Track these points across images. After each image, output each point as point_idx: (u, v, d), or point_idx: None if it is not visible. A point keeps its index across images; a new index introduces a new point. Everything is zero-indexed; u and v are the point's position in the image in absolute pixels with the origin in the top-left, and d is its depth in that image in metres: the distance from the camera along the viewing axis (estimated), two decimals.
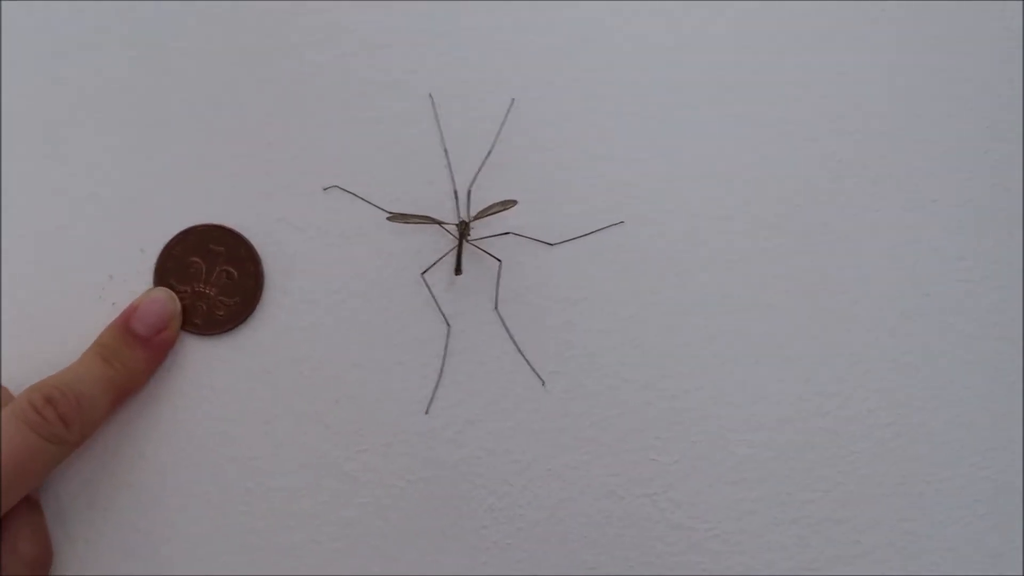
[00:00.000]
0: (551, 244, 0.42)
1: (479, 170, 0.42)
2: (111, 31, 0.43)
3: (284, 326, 0.42)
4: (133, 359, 0.39)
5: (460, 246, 0.41)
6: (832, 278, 0.44)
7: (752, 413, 0.43)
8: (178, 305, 0.41)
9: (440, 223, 0.41)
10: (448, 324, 0.42)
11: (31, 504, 0.40)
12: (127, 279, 0.42)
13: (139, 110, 0.42)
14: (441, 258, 0.41)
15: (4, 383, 0.40)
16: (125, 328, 0.39)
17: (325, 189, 0.42)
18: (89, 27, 0.43)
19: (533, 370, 0.42)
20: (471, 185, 0.42)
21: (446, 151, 0.42)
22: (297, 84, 0.43)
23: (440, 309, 0.42)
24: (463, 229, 0.41)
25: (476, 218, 0.41)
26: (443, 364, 0.42)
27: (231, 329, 0.41)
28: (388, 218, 0.40)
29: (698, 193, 0.43)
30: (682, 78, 0.44)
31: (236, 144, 0.42)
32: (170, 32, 0.43)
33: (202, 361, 0.41)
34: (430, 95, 0.42)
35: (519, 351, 0.42)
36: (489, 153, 0.42)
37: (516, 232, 0.42)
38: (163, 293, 0.41)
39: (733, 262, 0.43)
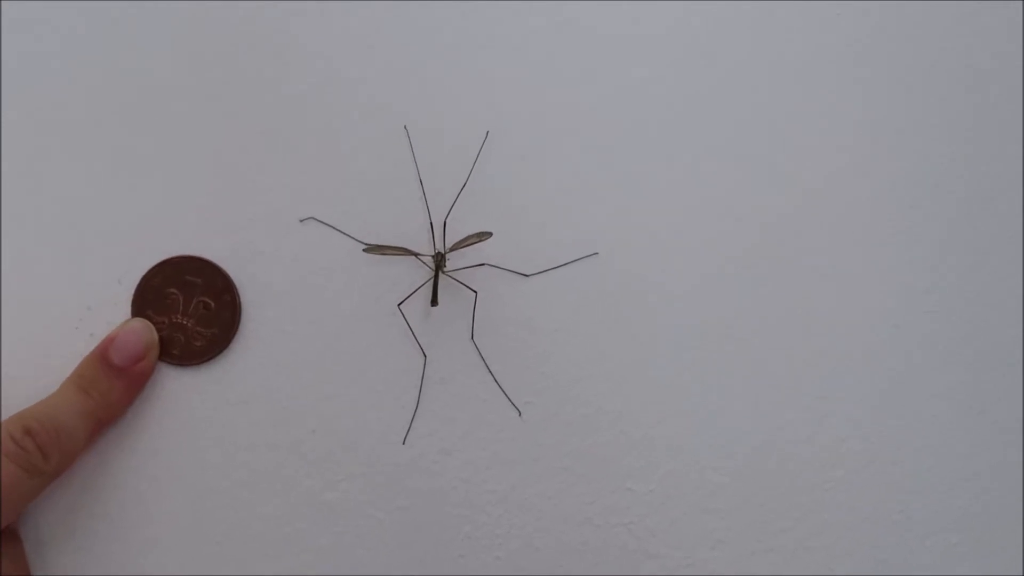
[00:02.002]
0: (526, 275, 0.42)
1: (454, 202, 0.42)
2: (88, 60, 0.42)
3: (261, 356, 0.41)
4: (111, 390, 0.39)
5: (436, 277, 0.40)
6: (804, 310, 0.43)
7: (726, 442, 0.42)
8: (155, 335, 0.40)
9: (416, 254, 0.40)
10: (425, 354, 0.41)
11: (10, 535, 0.39)
12: (105, 310, 0.41)
13: (116, 141, 0.42)
14: (417, 289, 0.41)
15: None
16: (103, 359, 0.39)
17: (301, 221, 0.41)
18: (65, 57, 0.42)
19: (509, 400, 0.42)
20: (447, 216, 0.41)
21: (421, 183, 0.42)
22: (273, 116, 0.42)
23: (417, 340, 0.41)
24: (439, 260, 0.40)
25: (452, 249, 0.40)
26: (420, 394, 0.41)
27: (208, 360, 0.41)
28: (364, 250, 0.40)
29: (671, 225, 0.43)
30: (658, 111, 0.43)
31: (213, 176, 0.41)
32: (148, 64, 0.42)
33: (180, 391, 0.41)
34: (405, 127, 0.42)
35: (495, 381, 0.42)
36: (464, 185, 0.42)
37: (491, 263, 0.41)
38: (140, 324, 0.40)
39: (706, 294, 0.43)
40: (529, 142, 0.42)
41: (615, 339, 0.42)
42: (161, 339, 0.40)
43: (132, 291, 0.41)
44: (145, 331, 0.40)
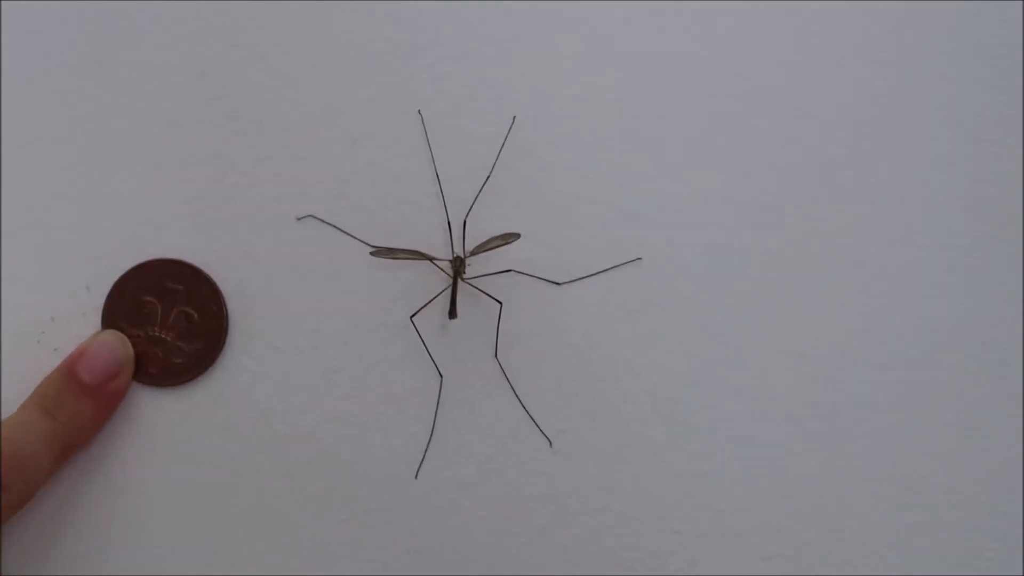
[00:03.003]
0: (558, 283, 0.39)
1: (476, 198, 0.39)
2: (53, 45, 0.40)
3: (252, 376, 0.39)
4: (79, 411, 0.36)
5: (455, 285, 0.38)
6: (872, 323, 0.40)
7: (787, 479, 0.39)
8: (130, 350, 0.38)
9: (431, 259, 0.38)
10: (441, 375, 0.39)
11: None
12: (71, 321, 0.39)
13: (85, 129, 0.39)
14: (432, 299, 0.38)
15: None
16: (70, 376, 0.36)
17: (299, 219, 0.39)
18: (29, 45, 0.40)
19: (538, 428, 0.38)
20: (467, 215, 0.39)
21: (438, 176, 0.39)
22: (266, 99, 0.40)
23: (431, 357, 0.39)
24: (458, 266, 0.38)
25: (473, 253, 0.38)
26: (435, 421, 0.38)
27: (191, 379, 0.38)
28: (371, 253, 0.37)
29: (727, 227, 0.39)
30: (711, 100, 0.40)
31: (197, 168, 0.39)
32: (120, 44, 0.40)
33: (157, 415, 0.38)
34: (419, 112, 0.39)
35: (522, 406, 0.39)
36: (487, 179, 0.39)
37: (518, 270, 0.39)
38: (113, 336, 0.38)
39: (766, 307, 0.39)
40: (562, 129, 0.40)
41: (660, 358, 0.39)
42: (136, 355, 0.38)
43: (103, 300, 0.38)
44: (119, 345, 0.38)
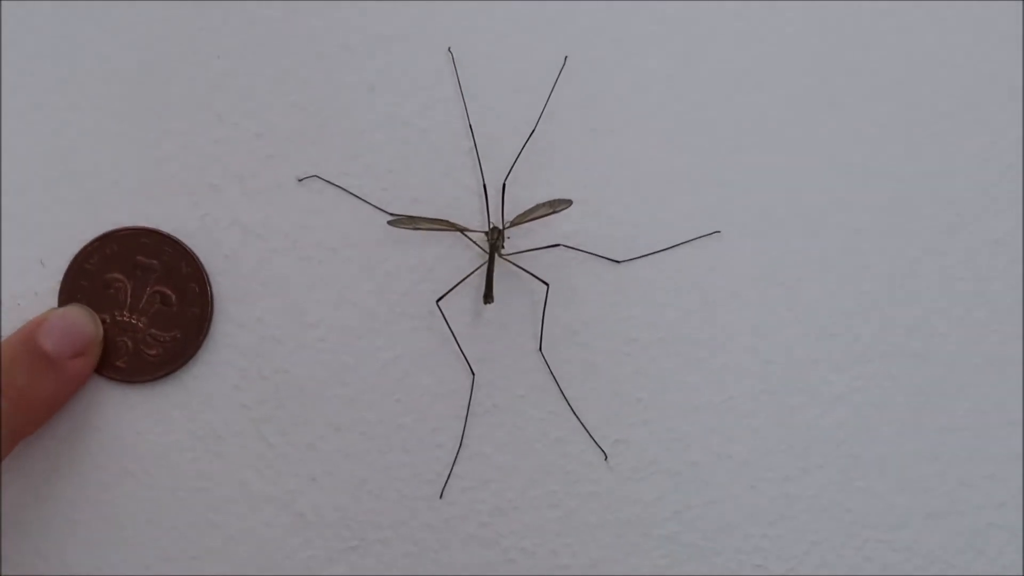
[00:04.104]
0: (617, 261, 0.35)
1: (518, 156, 0.36)
2: None
3: (241, 373, 0.35)
4: (32, 387, 0.33)
5: (491, 263, 0.35)
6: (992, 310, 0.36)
7: (895, 503, 0.35)
8: (100, 329, 0.35)
9: (463, 230, 0.35)
10: (472, 372, 0.35)
11: None
12: (20, 303, 0.35)
13: (35, 66, 0.36)
14: (463, 279, 0.35)
15: None
16: (27, 342, 0.33)
17: (300, 180, 0.36)
18: None
19: (591, 438, 0.35)
20: (506, 177, 0.35)
21: (471, 129, 0.35)
22: (260, 33, 0.36)
23: (462, 351, 0.35)
24: (495, 239, 0.35)
25: (514, 223, 0.34)
26: (464, 429, 0.35)
27: (166, 375, 0.35)
28: (389, 222, 0.34)
29: (822, 196, 0.36)
30: (798, 42, 0.36)
31: (174, 117, 0.36)
32: None
33: (125, 419, 0.35)
34: (449, 50, 0.36)
35: (572, 411, 0.35)
36: (532, 133, 0.35)
37: (569, 244, 0.35)
38: (80, 310, 0.35)
39: (874, 296, 0.35)
40: (624, 73, 0.36)
41: (741, 354, 0.35)
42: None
43: (60, 277, 0.35)
44: (87, 320, 0.34)
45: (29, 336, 0.33)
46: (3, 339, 0.33)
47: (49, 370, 0.33)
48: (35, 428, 0.34)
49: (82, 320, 0.34)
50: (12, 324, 0.34)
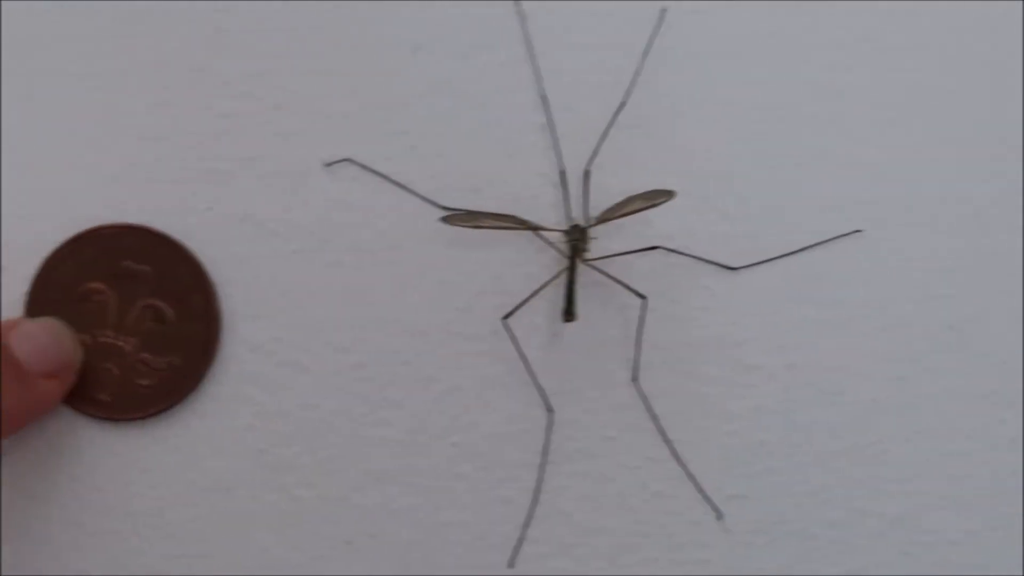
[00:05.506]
0: (732, 268, 0.31)
1: (603, 137, 0.31)
2: None
3: (257, 410, 0.31)
4: (5, 388, 0.30)
5: (572, 271, 0.31)
6: None
7: None
8: (79, 351, 0.31)
9: (535, 229, 0.31)
10: (550, 409, 0.31)
11: None
12: None
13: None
14: (537, 292, 0.31)
15: None
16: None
17: (328, 165, 0.32)
18: None
19: (700, 492, 0.30)
20: (590, 163, 0.31)
21: (545, 100, 0.31)
22: None
23: (535, 382, 0.31)
24: (577, 240, 0.31)
25: (601, 221, 0.31)
26: (540, 479, 0.30)
27: (162, 411, 0.31)
28: (443, 219, 0.31)
29: (990, 189, 0.31)
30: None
31: (168, 88, 0.32)
32: None
33: (109, 465, 0.31)
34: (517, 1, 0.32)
35: (676, 458, 0.30)
36: (622, 106, 0.31)
37: (670, 247, 0.31)
38: (56, 324, 0.31)
39: None
40: (736, 29, 0.32)
41: (890, 385, 0.30)
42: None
43: (27, 288, 0.32)
44: (64, 335, 0.31)
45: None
46: None
47: (16, 378, 0.30)
48: None
49: (61, 337, 0.31)
50: None
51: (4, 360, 0.30)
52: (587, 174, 0.31)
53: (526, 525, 0.30)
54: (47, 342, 0.31)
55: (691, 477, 0.30)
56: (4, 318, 0.31)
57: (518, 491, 0.31)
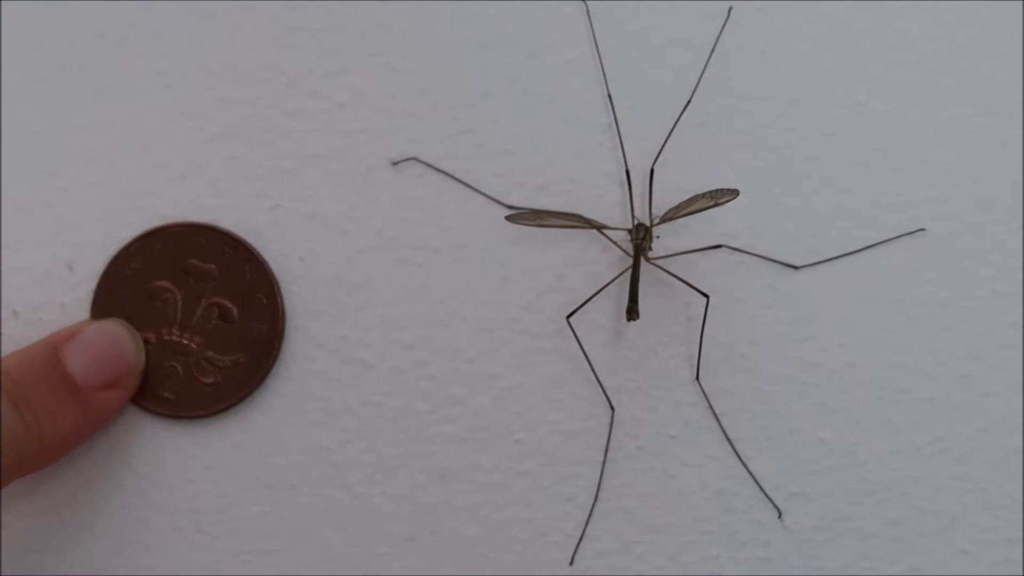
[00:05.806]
0: (796, 267, 0.31)
1: (670, 134, 0.31)
2: None
3: (322, 407, 0.31)
4: (57, 412, 0.29)
5: (636, 269, 0.30)
6: None
7: None
8: (142, 353, 0.31)
9: (600, 228, 0.31)
10: (612, 407, 0.31)
11: None
12: (43, 316, 0.31)
13: (64, 27, 0.32)
14: (601, 290, 0.31)
15: None
16: (53, 359, 0.30)
17: (394, 164, 0.31)
18: None
19: (760, 489, 0.30)
20: (655, 161, 0.31)
21: (610, 99, 0.31)
22: None
23: (598, 380, 0.30)
24: (641, 239, 0.30)
25: (665, 219, 0.30)
26: (601, 477, 0.30)
27: (227, 408, 0.31)
28: (508, 217, 0.30)
29: None
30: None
31: (234, 85, 0.31)
32: None
33: (174, 462, 0.31)
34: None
35: (736, 455, 0.30)
36: (687, 104, 0.31)
37: (734, 245, 0.31)
38: (119, 327, 0.31)
39: None
40: (803, 27, 0.31)
41: (953, 383, 0.30)
42: (145, 368, 0.31)
43: (93, 285, 0.31)
44: (126, 340, 0.31)
45: (53, 351, 0.29)
46: (22, 351, 0.29)
47: (70, 398, 0.30)
48: (42, 466, 0.30)
49: (122, 342, 0.31)
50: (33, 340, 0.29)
51: (57, 379, 0.30)
52: (651, 173, 0.30)
53: (587, 522, 0.30)
54: (108, 351, 0.31)
55: (752, 475, 0.30)
56: (70, 318, 0.31)
57: (580, 489, 0.30)
